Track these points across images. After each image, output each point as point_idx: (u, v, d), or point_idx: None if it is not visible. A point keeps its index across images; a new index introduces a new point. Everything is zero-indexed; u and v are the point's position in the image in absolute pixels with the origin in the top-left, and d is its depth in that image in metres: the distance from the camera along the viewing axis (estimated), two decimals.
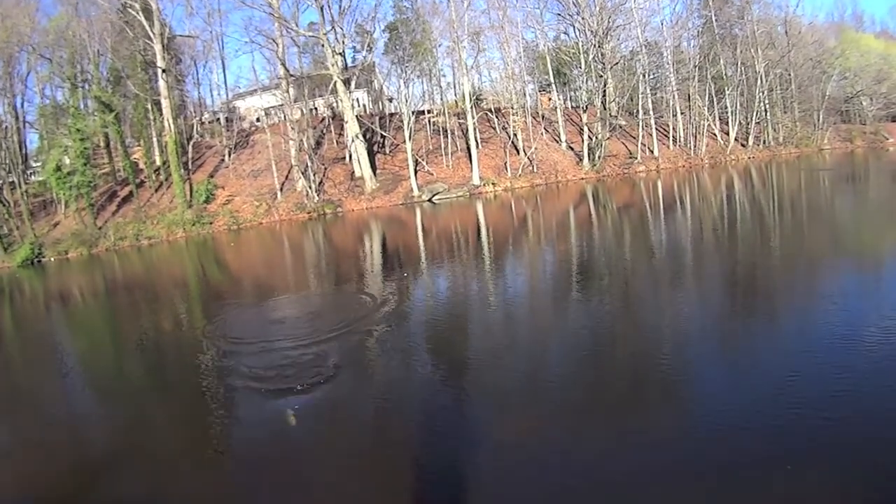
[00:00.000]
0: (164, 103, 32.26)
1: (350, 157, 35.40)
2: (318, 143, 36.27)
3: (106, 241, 28.61)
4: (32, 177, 34.23)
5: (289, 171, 33.56)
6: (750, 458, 7.28)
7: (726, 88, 52.51)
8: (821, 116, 58.38)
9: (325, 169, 34.77)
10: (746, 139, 52.95)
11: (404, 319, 13.89)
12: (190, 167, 33.62)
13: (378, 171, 35.47)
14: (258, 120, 40.67)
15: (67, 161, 30.45)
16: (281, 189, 32.61)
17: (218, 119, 39.57)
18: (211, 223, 30.44)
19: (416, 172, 34.59)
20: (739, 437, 7.85)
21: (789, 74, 56.44)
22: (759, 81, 52.61)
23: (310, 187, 32.37)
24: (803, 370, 9.91)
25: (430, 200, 34.29)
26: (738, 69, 52.53)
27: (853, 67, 64.31)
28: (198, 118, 40.23)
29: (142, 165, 33.60)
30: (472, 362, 11.25)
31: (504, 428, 8.47)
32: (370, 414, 9.00)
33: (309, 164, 32.64)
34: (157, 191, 32.59)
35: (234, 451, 8.34)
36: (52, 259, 27.75)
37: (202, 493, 7.32)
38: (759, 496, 6.57)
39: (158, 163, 33.85)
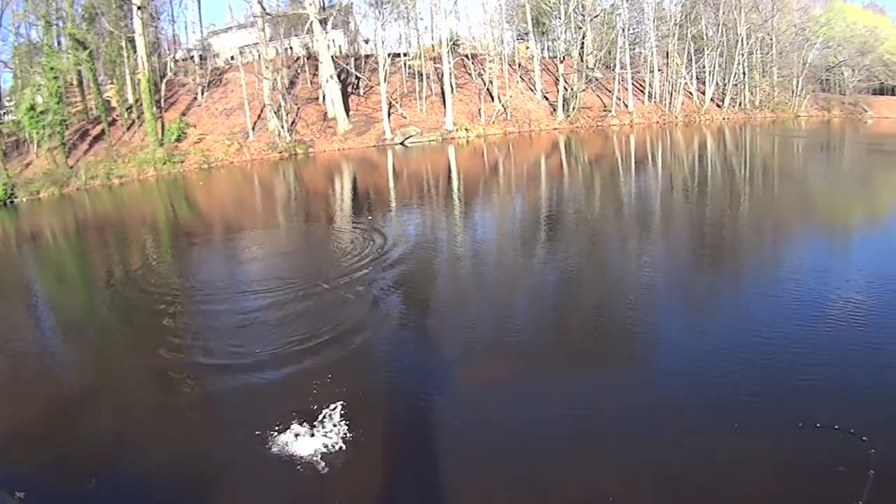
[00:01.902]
0: (139, 40, 32.86)
1: (323, 97, 36.29)
2: (292, 83, 37.16)
3: (77, 180, 29.16)
4: (6, 116, 34.58)
5: (261, 111, 34.35)
6: (705, 413, 7.75)
7: (706, 48, 54.34)
8: (800, 83, 60.60)
9: (298, 109, 35.65)
10: (722, 100, 55.03)
11: (372, 264, 13.98)
12: (162, 105, 34.29)
13: (351, 113, 36.44)
14: (232, 58, 41.33)
15: (40, 100, 30.83)
16: (253, 128, 33.37)
17: (192, 57, 40.08)
18: (182, 162, 30.98)
19: (389, 115, 35.75)
20: (697, 391, 8.40)
21: (771, 39, 58.37)
22: (739, 44, 54.38)
23: (282, 127, 33.20)
24: (764, 329, 10.59)
25: (402, 144, 35.38)
26: (720, 30, 54.24)
27: (837, 37, 66.07)
28: (171, 56, 40.55)
29: (114, 104, 34.10)
30: (438, 307, 11.69)
31: (471, 372, 8.89)
32: (335, 357, 9.03)
33: (282, 103, 33.47)
34: (128, 129, 33.19)
35: (196, 388, 8.45)
36: (24, 199, 28.20)
37: (163, 429, 7.36)
38: (710, 451, 6.88)
39: (131, 101, 34.44)
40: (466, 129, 38.25)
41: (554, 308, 12.15)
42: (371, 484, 6.33)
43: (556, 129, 43.24)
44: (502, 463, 6.72)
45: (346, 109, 35.70)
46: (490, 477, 6.47)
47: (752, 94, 57.00)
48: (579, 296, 12.96)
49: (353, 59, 39.89)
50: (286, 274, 13.43)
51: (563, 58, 47.24)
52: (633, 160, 35.83)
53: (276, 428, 6.96)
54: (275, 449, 6.68)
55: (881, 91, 73.07)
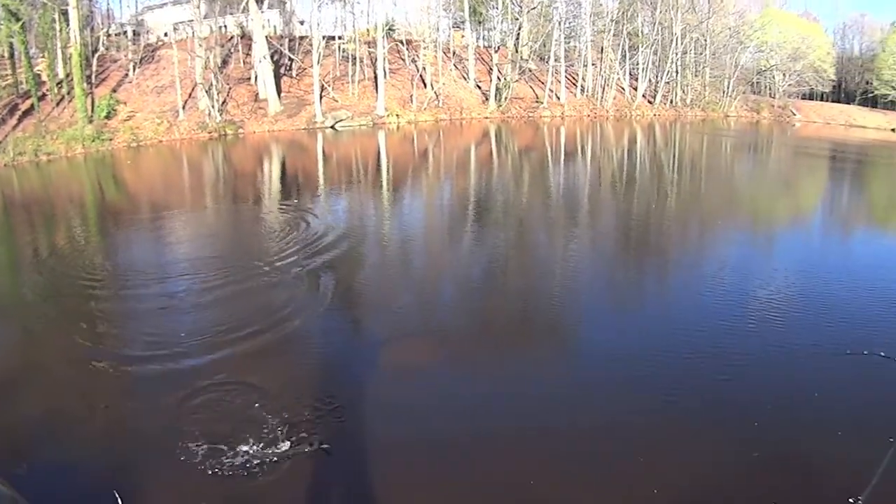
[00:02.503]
0: (72, 13, 32.73)
1: (256, 78, 36.95)
2: (225, 62, 37.64)
3: (5, 156, 28.77)
4: None
5: (192, 90, 34.65)
6: (626, 399, 8.34)
7: (640, 46, 56.98)
8: (731, 84, 64.18)
9: (230, 89, 36.07)
10: (654, 97, 57.77)
11: (299, 248, 14.27)
12: (93, 81, 34.22)
13: (283, 95, 37.29)
14: (166, 35, 41.63)
15: None
16: (183, 107, 33.59)
17: (125, 32, 40.08)
18: (111, 140, 31.08)
19: (321, 98, 36.78)
20: (619, 377, 9.02)
21: (705, 40, 61.36)
22: (674, 43, 57.11)
23: (212, 107, 33.53)
24: (686, 321, 11.48)
25: (332, 127, 36.45)
26: (655, 28, 56.95)
27: (770, 42, 69.75)
28: (105, 31, 40.24)
29: (45, 78, 33.76)
30: (365, 293, 12.12)
31: (398, 357, 9.34)
32: (260, 343, 9.29)
33: (214, 83, 33.83)
34: (58, 105, 32.99)
35: (117, 375, 8.41)
36: None
37: (82, 418, 7.39)
38: (629, 435, 7.43)
39: (62, 76, 34.20)
40: (397, 115, 39.65)
41: (480, 294, 12.77)
42: (294, 471, 6.44)
43: (487, 118, 45.04)
44: (426, 447, 7.08)
45: (278, 91, 36.50)
46: (413, 461, 6.81)
47: (683, 92, 60.06)
48: (505, 283, 13.65)
49: (287, 40, 40.73)
50: (213, 257, 13.59)
51: (498, 48, 49.18)
52: (562, 152, 37.42)
53: (198, 417, 7.14)
54: (195, 436, 6.73)
55: (810, 96, 78.03)
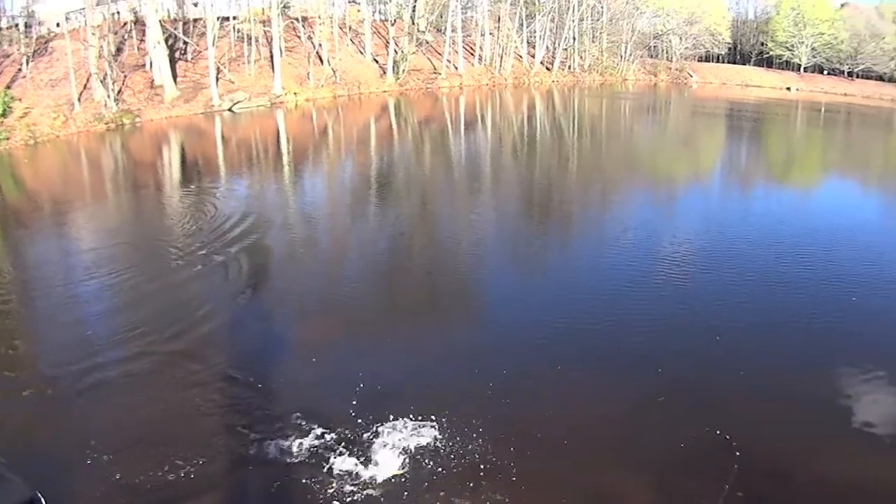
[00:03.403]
0: None
1: (151, 64, 37.66)
2: (119, 50, 38.11)
3: None
4: None
5: (87, 80, 34.75)
6: (531, 363, 9.25)
7: (537, 14, 60.65)
8: (628, 49, 68.83)
9: (125, 77, 36.55)
10: (552, 63, 61.62)
11: (204, 235, 14.73)
12: None
13: (179, 80, 38.12)
14: (58, 25, 40.92)
15: None
16: (79, 99, 33.56)
17: (16, 25, 39.29)
18: (7, 138, 30.23)
19: (217, 81, 37.93)
20: (524, 343, 9.97)
21: (602, 7, 65.73)
22: (571, 10, 61.04)
23: (108, 97, 33.81)
24: (590, 284, 12.63)
25: (230, 110, 37.65)
26: None
27: (667, 7, 74.90)
28: None
29: None
30: (274, 274, 12.89)
31: (306, 333, 10.09)
32: (164, 324, 9.97)
33: (108, 72, 34.21)
34: None
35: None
36: None
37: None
38: (535, 393, 8.44)
39: None
40: (295, 94, 41.55)
41: (387, 268, 13.58)
42: (215, 448, 7.20)
43: (385, 91, 47.38)
44: (342, 413, 7.76)
45: (174, 76, 37.49)
46: (329, 428, 7.46)
47: (581, 58, 64.52)
48: (411, 257, 14.51)
49: (181, 23, 41.64)
50: (116, 251, 13.97)
51: (395, 21, 51.57)
52: (462, 121, 40.01)
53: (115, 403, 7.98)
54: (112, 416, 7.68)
55: (707, 58, 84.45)
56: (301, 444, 7.42)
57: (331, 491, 6.78)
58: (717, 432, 8.11)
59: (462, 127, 37.73)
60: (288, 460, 7.23)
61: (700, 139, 41.78)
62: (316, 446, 7.44)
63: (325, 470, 7.06)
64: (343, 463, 7.14)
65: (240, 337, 10.05)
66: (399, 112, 42.87)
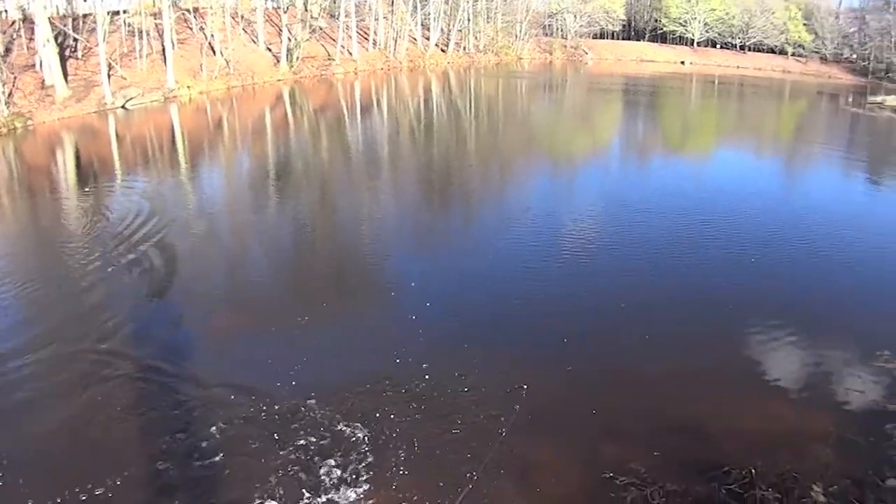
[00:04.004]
0: None
1: (41, 63, 37.61)
2: (8, 50, 37.78)
3: None
4: None
5: None
6: (441, 342, 10.23)
7: None
8: (523, 28, 72.45)
9: (15, 78, 36.11)
10: (447, 45, 64.19)
11: (103, 238, 14.85)
12: None
13: (70, 78, 38.23)
14: None
15: None
16: None
17: None
18: None
19: (109, 78, 38.46)
20: (432, 326, 10.70)
21: None
22: None
23: None
24: (496, 264, 13.43)
25: (123, 107, 38.17)
26: None
27: None
28: None
29: None
30: (178, 272, 12.95)
31: (218, 324, 10.54)
32: (67, 334, 10.28)
33: None
34: None
35: None
36: None
37: None
38: (446, 374, 9.31)
39: None
40: (189, 87, 42.47)
41: (292, 259, 14.10)
42: (130, 445, 7.85)
43: (280, 80, 48.73)
44: (254, 400, 8.48)
45: (65, 75, 37.61)
46: (241, 417, 8.17)
47: (476, 38, 67.56)
48: (314, 246, 15.01)
49: (71, 19, 41.82)
50: (11, 261, 14.16)
51: (287, 8, 52.51)
52: (358, 107, 41.62)
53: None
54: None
55: (602, 35, 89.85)
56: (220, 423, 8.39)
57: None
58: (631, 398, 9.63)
59: (358, 113, 39.39)
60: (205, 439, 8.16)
61: (597, 114, 44.99)
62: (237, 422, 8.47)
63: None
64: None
65: (149, 340, 10.45)
66: (294, 101, 44.23)
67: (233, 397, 8.88)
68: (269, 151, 27.11)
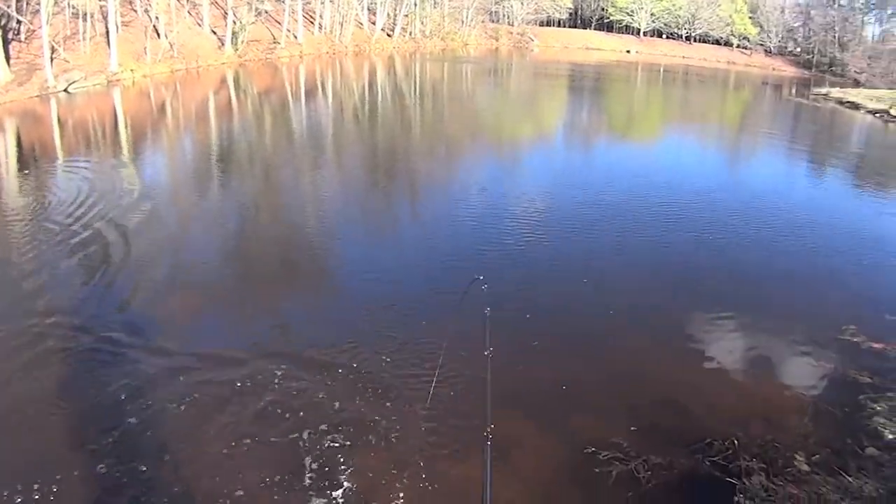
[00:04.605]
0: None
1: None
2: None
3: None
4: None
5: None
6: (379, 320, 10.47)
7: None
8: (470, 14, 74.61)
9: None
10: (393, 30, 65.88)
11: (44, 223, 14.68)
12: None
13: (13, 62, 38.75)
14: None
15: None
16: None
17: None
18: None
19: (52, 61, 38.98)
20: (373, 304, 11.05)
21: None
22: None
23: None
24: (439, 243, 13.62)
25: (65, 90, 38.76)
26: None
27: None
28: None
29: None
30: (124, 257, 12.82)
31: (167, 309, 10.68)
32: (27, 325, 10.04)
33: None
34: None
35: None
36: None
37: None
38: (387, 354, 9.54)
39: None
40: (132, 70, 43.42)
41: (237, 239, 14.32)
42: (71, 432, 7.68)
43: (224, 63, 49.87)
44: (209, 384, 8.60)
45: (7, 58, 38.06)
46: (201, 403, 8.25)
47: (422, 24, 69.68)
48: (259, 231, 15.15)
49: (14, 0, 41.34)
50: None
51: None
52: (303, 91, 42.58)
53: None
54: None
55: (548, 23, 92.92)
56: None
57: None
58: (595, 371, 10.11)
59: (303, 97, 40.55)
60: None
61: (543, 99, 46.59)
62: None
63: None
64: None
65: (95, 316, 10.48)
66: (239, 84, 45.20)
67: (187, 364, 9.17)
68: (213, 135, 27.65)
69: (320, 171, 21.22)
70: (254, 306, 11.19)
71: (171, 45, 47.16)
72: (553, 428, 8.71)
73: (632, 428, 8.70)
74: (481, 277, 6.80)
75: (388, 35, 68.28)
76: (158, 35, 47.08)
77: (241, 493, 7.02)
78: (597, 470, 7.88)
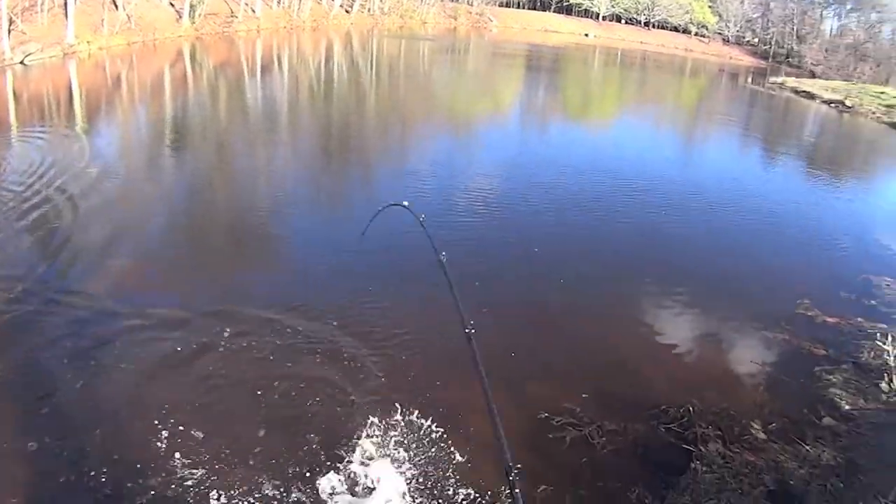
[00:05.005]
0: None
1: None
2: None
3: None
4: None
5: None
6: (325, 297, 10.55)
7: None
8: None
9: None
10: (351, 6, 67.10)
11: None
12: None
13: None
14: None
15: None
16: None
17: None
18: None
19: (10, 33, 39.15)
20: (323, 279, 11.19)
21: None
22: None
23: None
24: (386, 220, 12.56)
25: (21, 62, 39.02)
26: None
27: None
28: None
29: None
30: (75, 228, 12.90)
31: (112, 273, 10.83)
32: None
33: None
34: None
35: None
36: None
37: None
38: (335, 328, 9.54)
39: None
40: (89, 42, 43.93)
41: (188, 211, 14.39)
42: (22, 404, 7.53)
43: (181, 36, 50.45)
44: (158, 355, 8.69)
45: None
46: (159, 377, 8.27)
47: (381, 1, 71.29)
48: (208, 197, 15.38)
49: None
50: None
51: None
52: (259, 66, 43.37)
53: None
54: None
55: (507, 4, 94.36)
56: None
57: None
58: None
59: (259, 72, 41.18)
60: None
61: (500, 79, 47.91)
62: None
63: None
64: None
65: (49, 283, 10.59)
66: (195, 58, 45.94)
67: (132, 325, 9.38)
68: (168, 108, 27.91)
69: (273, 146, 21.39)
70: (201, 270, 11.55)
71: (129, 18, 47.38)
72: (505, 392, 8.63)
73: (584, 395, 8.82)
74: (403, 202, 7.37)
75: (347, 11, 69.37)
76: (116, 7, 47.42)
77: (182, 457, 7.05)
78: (550, 436, 8.00)
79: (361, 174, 18.77)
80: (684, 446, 8.12)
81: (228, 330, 9.26)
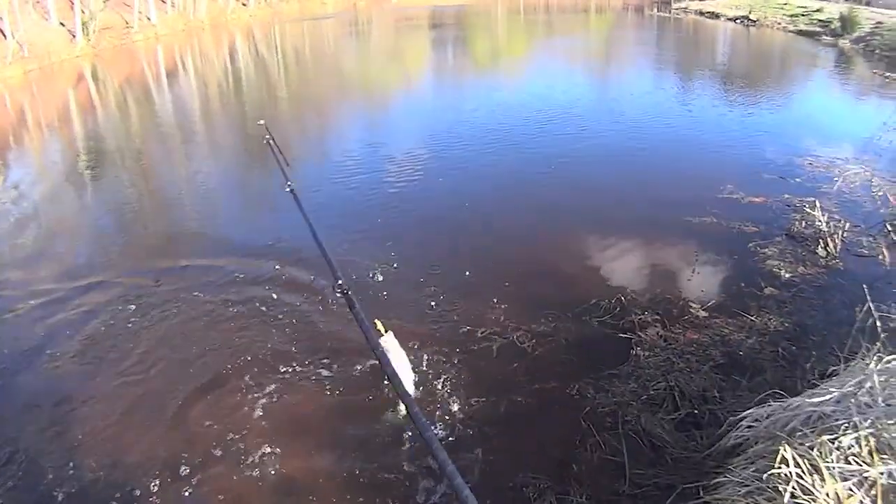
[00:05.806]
0: None
1: None
2: None
3: None
4: None
5: None
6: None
7: None
8: None
9: None
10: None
11: None
12: None
13: None
14: None
15: None
16: None
17: None
18: None
19: None
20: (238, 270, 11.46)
21: None
22: None
23: None
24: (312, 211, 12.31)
25: None
26: None
27: None
28: None
29: None
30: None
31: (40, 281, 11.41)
32: None
33: None
34: None
35: None
36: None
37: None
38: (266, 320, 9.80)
39: None
40: None
41: (115, 227, 14.60)
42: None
43: (79, 56, 49.44)
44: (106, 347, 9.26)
45: None
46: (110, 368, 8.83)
47: None
48: (137, 217, 15.33)
49: None
50: None
51: None
52: (163, 73, 43.23)
53: None
54: None
55: None
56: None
57: None
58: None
59: (164, 79, 41.19)
60: None
61: (407, 45, 49.71)
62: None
63: None
64: None
65: None
66: (97, 76, 45.17)
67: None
68: (79, 133, 27.61)
69: (193, 153, 21.57)
70: (135, 264, 12.02)
71: (21, 46, 46.34)
72: (423, 315, 8.95)
73: (504, 306, 9.06)
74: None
75: (244, 4, 68.49)
76: (5, 36, 46.38)
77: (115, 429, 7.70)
78: (475, 347, 8.17)
79: (292, 156, 18.14)
80: (621, 335, 8.30)
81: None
